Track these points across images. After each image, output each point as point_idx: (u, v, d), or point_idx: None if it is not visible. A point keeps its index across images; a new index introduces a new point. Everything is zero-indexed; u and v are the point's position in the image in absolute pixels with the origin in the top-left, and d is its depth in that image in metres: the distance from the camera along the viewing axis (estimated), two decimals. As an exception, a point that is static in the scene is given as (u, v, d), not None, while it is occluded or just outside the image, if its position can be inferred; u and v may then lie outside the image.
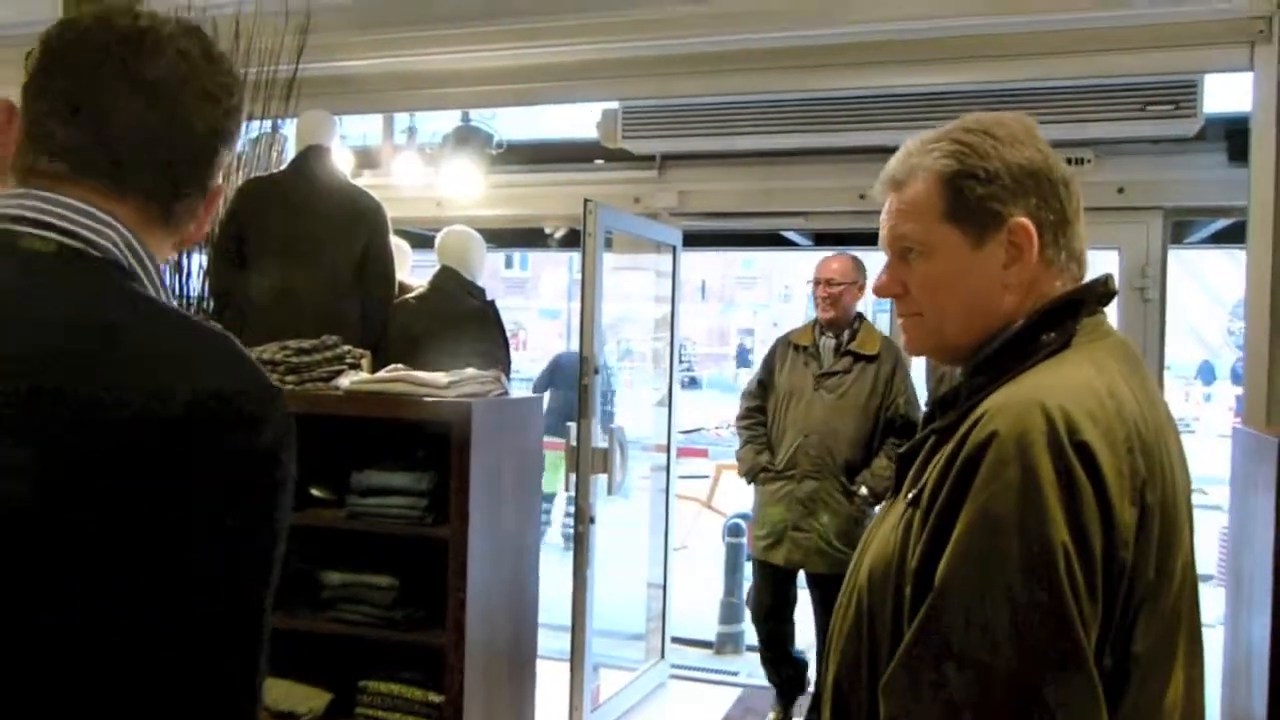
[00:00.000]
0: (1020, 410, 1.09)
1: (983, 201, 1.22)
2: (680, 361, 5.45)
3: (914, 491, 1.20)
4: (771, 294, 33.04)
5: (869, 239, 5.84)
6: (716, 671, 5.56)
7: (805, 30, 4.18)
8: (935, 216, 1.25)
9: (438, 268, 4.14)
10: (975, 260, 1.24)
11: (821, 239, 6.46)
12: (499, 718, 3.31)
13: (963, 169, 1.23)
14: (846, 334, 4.29)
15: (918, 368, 4.33)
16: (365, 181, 4.72)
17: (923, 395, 4.74)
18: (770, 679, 4.50)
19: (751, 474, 4.31)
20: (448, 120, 5.38)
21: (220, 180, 1.07)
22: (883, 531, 1.26)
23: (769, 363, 4.43)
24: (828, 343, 4.30)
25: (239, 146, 4.42)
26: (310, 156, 3.91)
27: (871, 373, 4.19)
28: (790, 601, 4.39)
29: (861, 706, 1.21)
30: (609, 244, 4.54)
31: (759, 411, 4.39)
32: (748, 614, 5.10)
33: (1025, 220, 1.22)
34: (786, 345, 4.40)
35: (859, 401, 4.16)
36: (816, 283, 4.33)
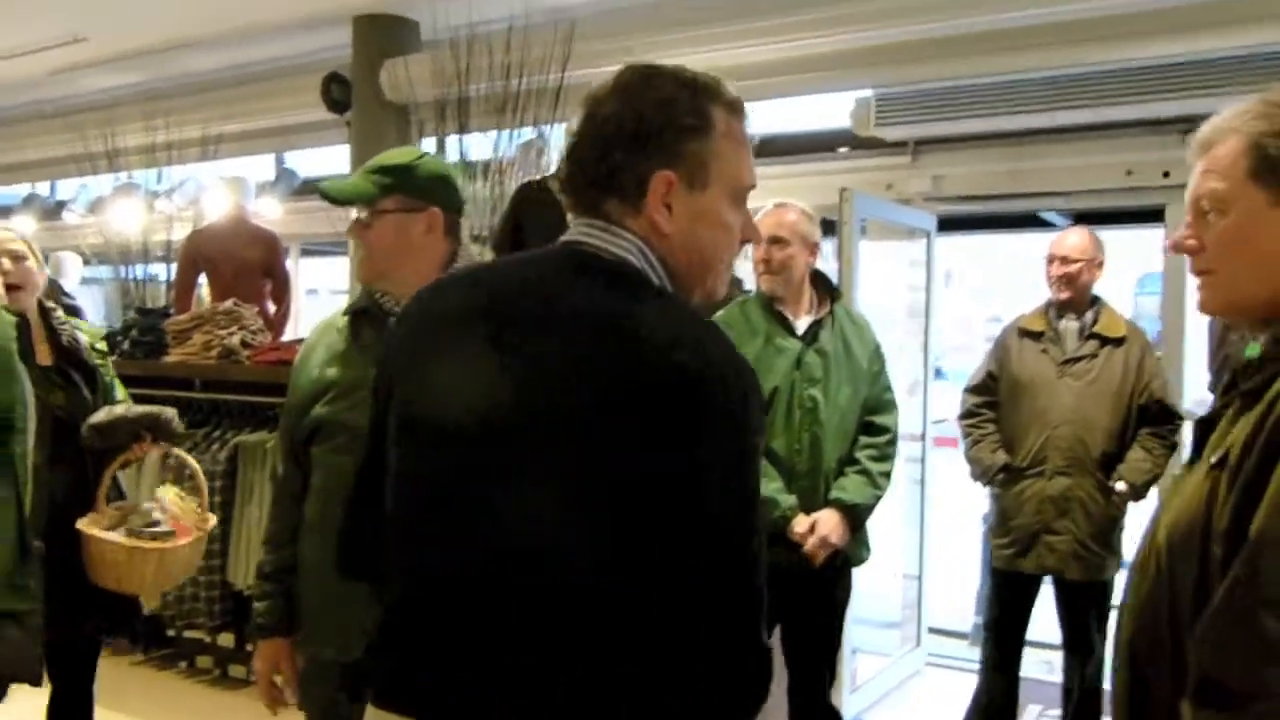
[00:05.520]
0: None
1: None
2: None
3: (1218, 455, 1.19)
4: (1023, 279, 31.50)
5: (1135, 217, 5.63)
6: (974, 661, 5.44)
7: (1065, 5, 4.04)
8: (1239, 175, 1.25)
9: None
10: (1273, 218, 1.23)
11: (1082, 219, 6.18)
12: (770, 698, 3.40)
13: (1271, 128, 1.23)
14: (1089, 316, 3.90)
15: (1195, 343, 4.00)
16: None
17: (1198, 370, 4.44)
18: (979, 696, 4.09)
19: (989, 475, 3.91)
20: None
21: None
22: (1182, 496, 1.26)
23: (997, 353, 4.03)
24: (1069, 325, 3.91)
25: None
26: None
27: (1120, 357, 3.80)
28: (1028, 615, 4.00)
29: (1162, 670, 1.21)
30: (863, 232, 4.54)
31: (989, 407, 4.00)
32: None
33: None
34: (1017, 333, 4.00)
35: (1112, 388, 3.77)
36: (1051, 260, 3.93)
